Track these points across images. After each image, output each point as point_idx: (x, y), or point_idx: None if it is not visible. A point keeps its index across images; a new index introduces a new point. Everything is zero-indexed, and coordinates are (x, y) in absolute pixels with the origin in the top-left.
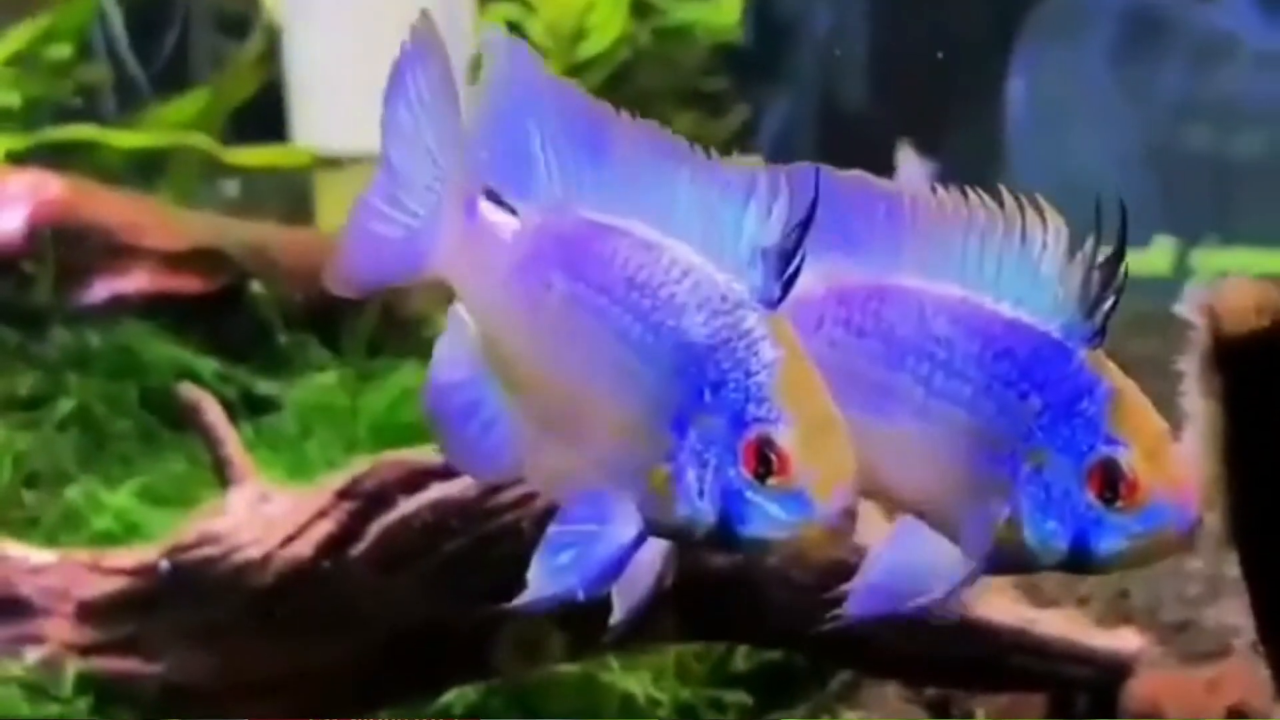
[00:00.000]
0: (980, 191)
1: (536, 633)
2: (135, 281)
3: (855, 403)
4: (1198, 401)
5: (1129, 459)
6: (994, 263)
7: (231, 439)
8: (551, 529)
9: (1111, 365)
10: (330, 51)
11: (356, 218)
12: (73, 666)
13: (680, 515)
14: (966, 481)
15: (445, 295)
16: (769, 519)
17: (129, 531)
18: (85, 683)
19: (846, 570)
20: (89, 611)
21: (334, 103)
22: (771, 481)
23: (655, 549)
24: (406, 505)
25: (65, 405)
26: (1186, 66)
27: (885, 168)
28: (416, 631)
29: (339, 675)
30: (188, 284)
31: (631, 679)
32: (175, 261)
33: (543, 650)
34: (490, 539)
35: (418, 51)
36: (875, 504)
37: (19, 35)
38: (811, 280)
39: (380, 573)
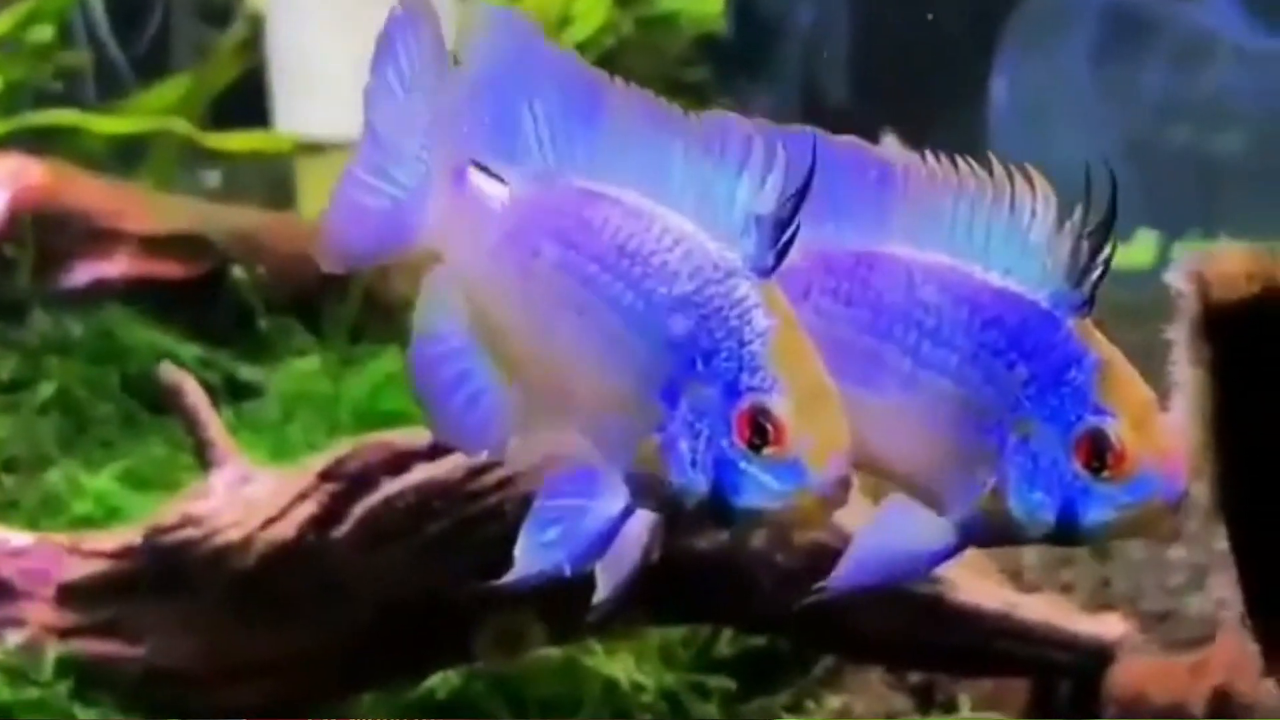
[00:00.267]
0: (970, 160)
1: (520, 618)
2: (117, 266)
3: (842, 372)
4: (1186, 370)
5: (1116, 429)
6: (983, 231)
7: (212, 421)
8: (537, 504)
9: (1099, 335)
10: (312, 38)
11: (342, 190)
12: (53, 650)
13: (671, 486)
14: (953, 451)
15: None
16: (763, 489)
17: (110, 515)
18: (66, 666)
19: (830, 553)
20: (69, 594)
21: (316, 89)
22: (766, 451)
23: (641, 524)
24: (390, 487)
25: (46, 389)
26: (1169, 65)
27: None
28: (400, 614)
29: (322, 658)
30: (169, 269)
31: (615, 664)
32: (157, 246)
33: (526, 635)
34: (474, 520)
35: (408, 18)
36: (861, 475)
37: (0, 19)
38: (798, 248)
39: (363, 554)
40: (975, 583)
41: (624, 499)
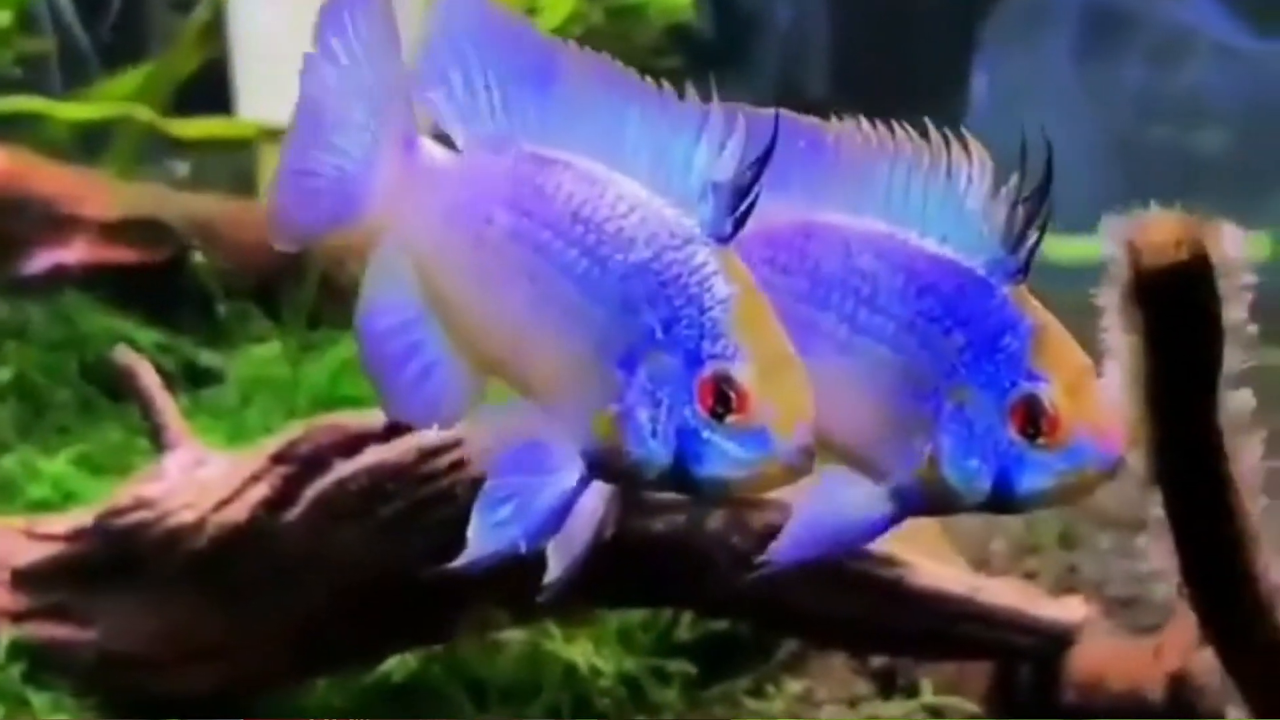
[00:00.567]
0: (906, 126)
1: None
2: (76, 252)
3: None
4: (1119, 336)
5: (1050, 394)
6: (919, 197)
7: (167, 404)
8: (488, 483)
9: (1034, 301)
10: (275, 24)
11: (285, 164)
12: (6, 634)
13: (630, 457)
14: (890, 419)
15: None
16: (727, 458)
17: (66, 499)
18: (18, 650)
19: None
20: (22, 578)
21: (279, 75)
22: (730, 419)
23: (594, 500)
24: (342, 469)
25: (3, 375)
26: (1149, 61)
27: None
28: (354, 596)
29: (276, 640)
30: (129, 255)
31: (574, 648)
32: (116, 232)
33: (482, 617)
34: (427, 503)
35: None
36: None
37: None
38: None
39: (316, 536)
40: (937, 567)
41: (579, 471)
